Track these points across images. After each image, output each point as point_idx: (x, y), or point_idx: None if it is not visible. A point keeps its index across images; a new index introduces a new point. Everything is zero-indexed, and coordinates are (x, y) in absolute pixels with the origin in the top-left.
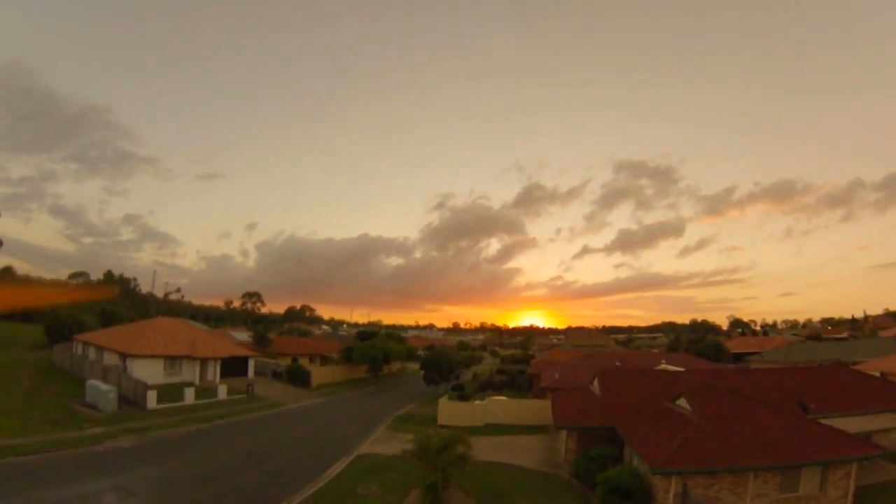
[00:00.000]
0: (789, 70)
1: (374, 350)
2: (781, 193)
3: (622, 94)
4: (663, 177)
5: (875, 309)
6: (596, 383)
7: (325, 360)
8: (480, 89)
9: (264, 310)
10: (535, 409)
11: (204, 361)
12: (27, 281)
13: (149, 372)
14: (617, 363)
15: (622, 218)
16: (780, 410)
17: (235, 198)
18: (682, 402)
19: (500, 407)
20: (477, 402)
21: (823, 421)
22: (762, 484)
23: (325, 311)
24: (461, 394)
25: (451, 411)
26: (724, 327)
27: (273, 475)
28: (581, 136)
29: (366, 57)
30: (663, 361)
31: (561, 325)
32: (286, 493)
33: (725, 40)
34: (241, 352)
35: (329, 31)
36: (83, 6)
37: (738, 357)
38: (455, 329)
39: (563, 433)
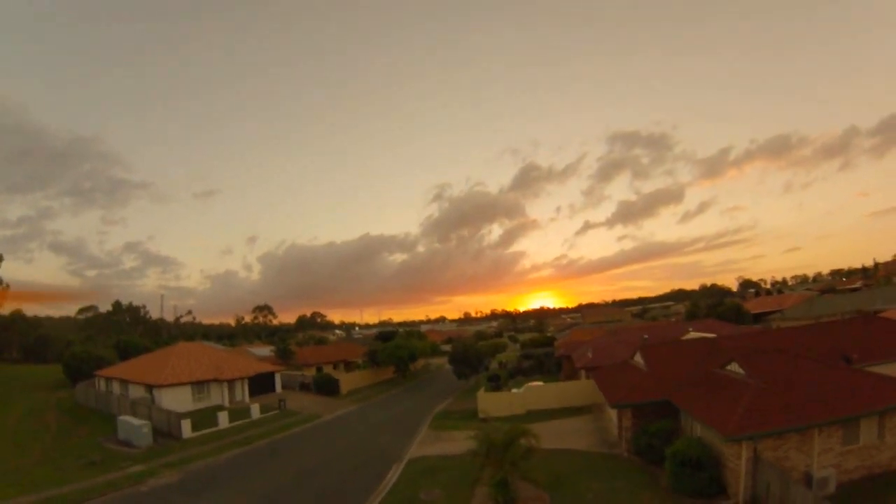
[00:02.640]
0: (774, 23)
1: (399, 350)
2: (778, 149)
3: (610, 66)
4: (658, 144)
5: (883, 255)
6: (639, 358)
7: (349, 366)
8: (467, 77)
9: (276, 322)
10: (574, 392)
11: (231, 382)
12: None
13: (177, 400)
14: (645, 336)
15: (620, 190)
16: (830, 365)
17: (233, 213)
18: (734, 367)
19: (538, 393)
20: (514, 390)
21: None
22: (826, 439)
23: (335, 316)
24: (496, 384)
25: (490, 403)
26: (734, 289)
27: (329, 492)
28: (572, 112)
29: (350, 59)
30: (691, 329)
31: (571, 304)
32: None
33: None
34: (267, 367)
35: (312, 33)
36: (61, 40)
37: (758, 317)
38: (466, 319)
39: (610, 412)
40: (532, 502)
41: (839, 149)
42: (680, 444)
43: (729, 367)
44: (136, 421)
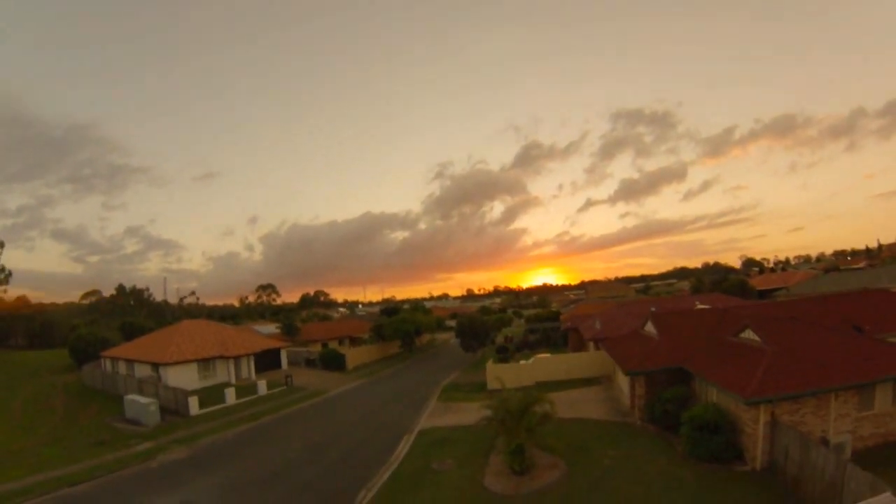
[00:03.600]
0: (782, 1)
1: (405, 324)
2: (783, 128)
3: (613, 42)
4: (661, 122)
5: (888, 237)
6: (650, 327)
7: (354, 342)
8: (468, 54)
9: (279, 301)
10: (583, 363)
11: (237, 359)
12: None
13: (184, 378)
14: (652, 308)
15: (623, 167)
16: (843, 333)
17: (233, 194)
18: (749, 334)
19: (547, 364)
20: (523, 362)
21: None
22: (842, 404)
23: (338, 294)
24: (504, 355)
25: (499, 374)
26: (737, 267)
27: (340, 465)
28: (575, 89)
29: (349, 37)
30: (698, 303)
31: (573, 281)
32: (360, 482)
33: None
34: (272, 344)
35: (311, 13)
36: (53, 28)
37: (763, 294)
38: (469, 295)
39: (621, 382)
40: (548, 469)
41: (845, 130)
42: (697, 410)
43: (743, 335)
44: (143, 399)
